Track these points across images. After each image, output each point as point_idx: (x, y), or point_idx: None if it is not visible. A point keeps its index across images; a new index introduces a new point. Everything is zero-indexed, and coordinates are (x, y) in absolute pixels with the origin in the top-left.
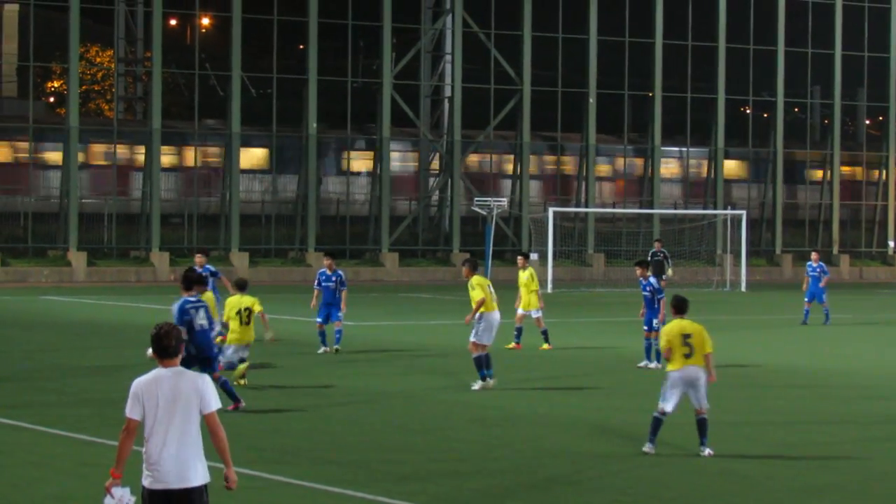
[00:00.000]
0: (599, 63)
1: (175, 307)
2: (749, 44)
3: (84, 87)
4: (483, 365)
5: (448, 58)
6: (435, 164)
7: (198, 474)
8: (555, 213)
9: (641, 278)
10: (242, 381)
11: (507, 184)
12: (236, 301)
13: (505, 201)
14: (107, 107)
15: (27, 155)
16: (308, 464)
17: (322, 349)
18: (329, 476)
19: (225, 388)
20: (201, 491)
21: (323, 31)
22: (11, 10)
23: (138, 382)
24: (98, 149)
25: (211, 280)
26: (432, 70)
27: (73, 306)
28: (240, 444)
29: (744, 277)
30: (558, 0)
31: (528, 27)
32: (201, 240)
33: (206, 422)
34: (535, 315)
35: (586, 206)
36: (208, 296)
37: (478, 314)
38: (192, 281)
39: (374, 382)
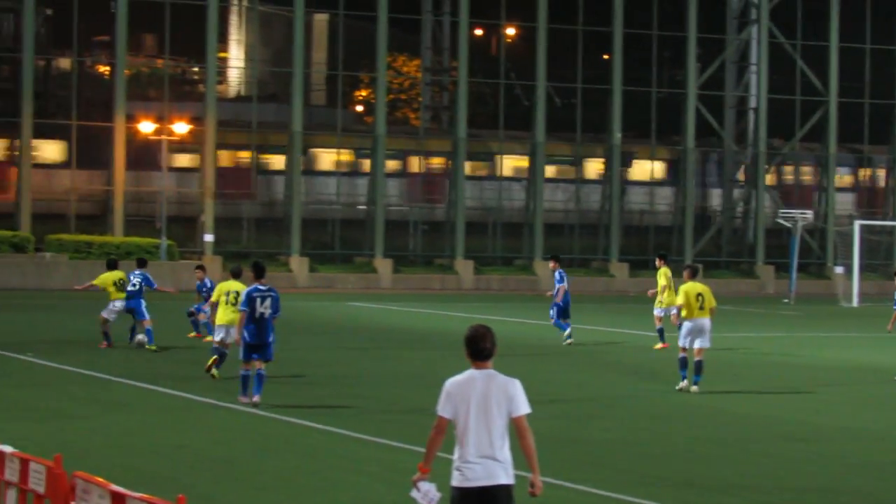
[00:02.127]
0: None
1: (244, 293)
2: None
3: (391, 97)
4: (683, 366)
5: (753, 68)
6: (740, 175)
7: (506, 474)
8: (861, 226)
9: None
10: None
11: (814, 196)
12: (226, 285)
13: (810, 214)
14: (413, 115)
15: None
16: (611, 474)
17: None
18: (632, 487)
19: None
20: (509, 490)
21: (628, 40)
22: (321, 19)
23: (451, 382)
24: (404, 157)
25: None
26: (737, 80)
27: (381, 313)
28: (541, 452)
29: None
30: (866, 10)
31: (835, 38)
32: (501, 249)
33: (515, 425)
34: (664, 314)
35: (895, 220)
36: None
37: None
38: (263, 269)
39: (675, 398)
